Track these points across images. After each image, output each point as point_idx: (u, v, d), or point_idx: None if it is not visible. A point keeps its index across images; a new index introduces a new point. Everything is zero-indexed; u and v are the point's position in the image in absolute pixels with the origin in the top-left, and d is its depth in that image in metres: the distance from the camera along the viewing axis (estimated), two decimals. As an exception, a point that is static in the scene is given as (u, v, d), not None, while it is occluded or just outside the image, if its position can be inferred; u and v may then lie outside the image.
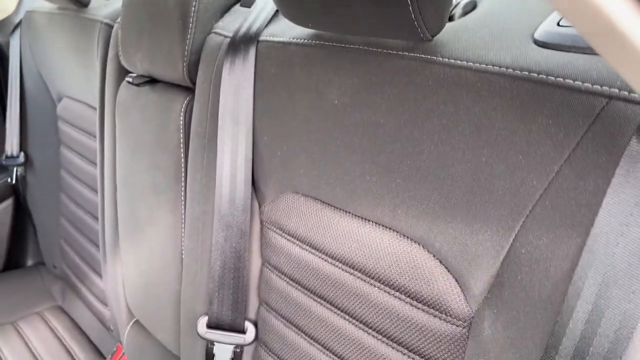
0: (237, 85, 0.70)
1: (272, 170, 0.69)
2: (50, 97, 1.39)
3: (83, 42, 1.12)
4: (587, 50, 0.43)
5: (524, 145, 0.44)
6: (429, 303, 0.53)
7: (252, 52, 0.70)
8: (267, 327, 0.74)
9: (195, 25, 0.78)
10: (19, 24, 1.43)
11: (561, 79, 0.42)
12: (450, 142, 0.49)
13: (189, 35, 0.78)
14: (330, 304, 0.64)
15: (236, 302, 0.76)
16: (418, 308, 0.54)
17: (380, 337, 0.59)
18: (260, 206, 0.73)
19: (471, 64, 0.48)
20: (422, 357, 0.55)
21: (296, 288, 0.68)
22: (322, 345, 0.66)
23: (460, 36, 0.51)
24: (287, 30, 0.69)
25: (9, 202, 1.56)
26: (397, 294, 0.56)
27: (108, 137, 1.06)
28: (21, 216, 1.61)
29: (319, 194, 0.64)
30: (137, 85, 0.91)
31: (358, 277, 0.59)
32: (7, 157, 1.47)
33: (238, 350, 0.79)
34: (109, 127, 1.06)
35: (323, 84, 0.61)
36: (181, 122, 0.83)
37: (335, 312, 0.63)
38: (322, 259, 0.64)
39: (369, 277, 0.58)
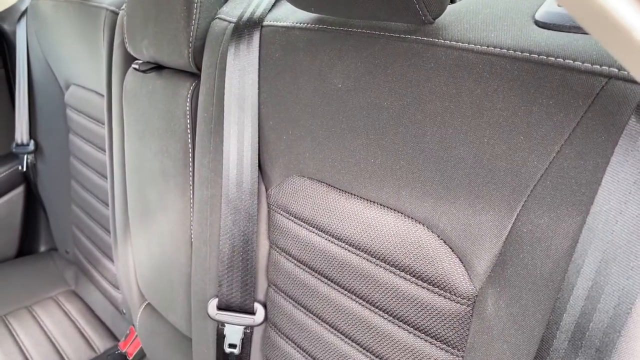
0: (241, 70, 0.71)
1: (278, 154, 0.70)
2: (58, 85, 1.40)
3: (89, 29, 1.12)
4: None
5: (524, 125, 0.44)
6: (433, 282, 0.54)
7: (256, 37, 0.71)
8: (276, 308, 0.76)
9: (200, 11, 0.79)
10: (25, 12, 1.43)
11: (561, 60, 0.42)
12: (452, 123, 0.50)
13: (193, 21, 0.79)
14: (337, 284, 0.65)
15: (245, 284, 0.77)
16: (423, 287, 0.55)
17: (386, 316, 0.60)
18: (267, 190, 0.74)
19: (472, 45, 0.48)
20: (427, 335, 0.56)
21: (303, 269, 0.70)
22: (330, 325, 0.68)
23: (462, 18, 0.52)
24: (291, 15, 0.69)
25: (20, 190, 1.59)
26: (402, 273, 0.57)
27: (116, 123, 1.07)
28: (33, 203, 1.63)
29: (325, 176, 0.65)
30: (144, 72, 0.92)
31: (364, 258, 0.61)
32: (17, 145, 1.49)
33: (248, 331, 0.80)
34: (116, 114, 1.07)
35: (327, 68, 0.61)
36: (188, 108, 0.84)
37: (341, 293, 0.65)
38: (329, 240, 0.65)
39: (374, 257, 0.59)
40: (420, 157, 0.53)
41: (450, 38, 0.50)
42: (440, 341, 0.55)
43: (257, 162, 0.72)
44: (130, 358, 1.16)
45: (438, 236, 0.53)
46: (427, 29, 0.53)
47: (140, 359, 1.16)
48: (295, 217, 0.69)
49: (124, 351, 1.17)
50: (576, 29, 0.44)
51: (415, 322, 0.57)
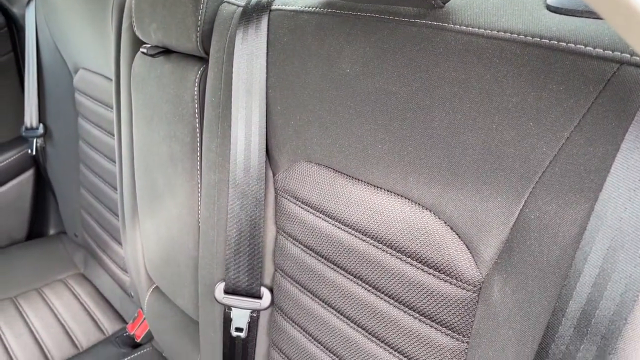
0: (250, 54, 0.71)
1: (285, 139, 0.70)
2: (67, 69, 1.40)
3: (97, 13, 1.12)
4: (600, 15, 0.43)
5: (534, 111, 0.44)
6: (439, 268, 0.54)
7: (264, 21, 0.70)
8: (283, 292, 0.77)
9: (208, -6, 0.78)
10: (34, -5, 1.43)
11: (572, 45, 0.42)
12: (461, 109, 0.49)
13: (201, 5, 0.78)
14: (343, 270, 0.65)
15: (252, 269, 0.78)
16: (429, 273, 0.55)
17: (391, 301, 0.60)
18: (274, 175, 0.74)
19: (482, 30, 0.48)
20: (433, 321, 0.56)
21: (310, 255, 0.70)
22: (336, 310, 0.68)
23: (472, 2, 0.51)
24: (299, -1, 0.69)
25: (30, 173, 1.60)
26: (409, 259, 0.57)
27: (124, 108, 1.08)
28: (42, 187, 1.64)
29: (332, 162, 0.65)
30: (152, 56, 0.92)
31: (370, 244, 0.61)
32: (26, 128, 1.50)
33: (255, 315, 0.81)
34: (125, 98, 1.07)
35: (335, 53, 0.61)
36: (196, 92, 0.84)
37: (348, 278, 0.65)
38: (335, 226, 0.65)
39: (381, 243, 0.59)
40: (428, 142, 0.53)
41: (460, 22, 0.50)
42: (445, 327, 0.55)
43: (265, 147, 0.72)
44: (138, 340, 1.17)
45: (445, 222, 0.53)
46: (436, 13, 0.52)
47: (148, 341, 1.17)
48: (302, 203, 0.69)
49: (132, 333, 1.18)
50: (588, 14, 0.44)
51: (421, 308, 0.57)
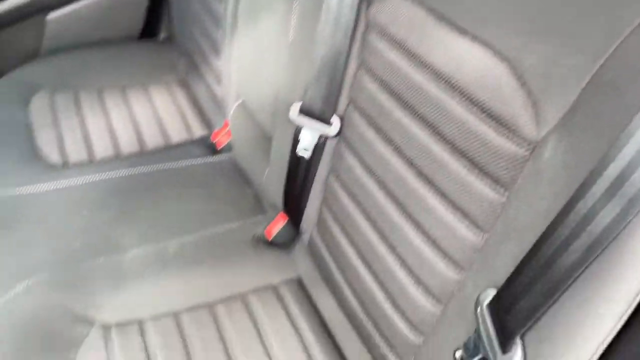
0: None
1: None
2: None
3: None
4: None
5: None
6: (502, 122, 0.55)
7: None
8: (351, 124, 0.80)
9: None
10: None
11: None
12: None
13: None
14: (411, 109, 0.67)
15: (328, 96, 0.81)
16: (490, 126, 0.56)
17: (448, 147, 0.62)
18: (367, 8, 0.74)
19: None
20: (481, 171, 0.58)
21: (384, 92, 0.72)
22: (394, 148, 0.71)
23: None
24: None
25: (148, -26, 1.67)
26: (474, 109, 0.57)
27: None
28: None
29: (425, 0, 0.64)
30: None
31: (442, 88, 0.61)
32: None
33: (322, 139, 0.86)
34: None
35: None
36: None
37: (412, 118, 0.67)
38: (414, 66, 0.65)
39: (452, 88, 0.60)
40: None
41: None
42: (491, 179, 0.57)
43: None
44: (219, 148, 1.29)
45: (518, 77, 0.52)
46: None
47: (228, 150, 1.29)
48: (388, 38, 0.70)
49: (214, 141, 1.30)
50: None
51: (474, 157, 0.59)
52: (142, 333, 0.87)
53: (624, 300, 0.41)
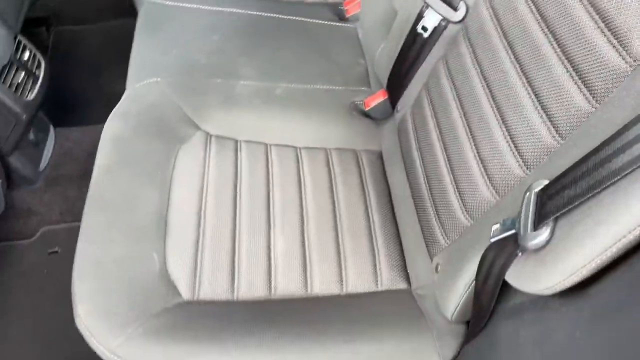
0: None
1: None
2: None
3: None
4: None
5: None
6: (616, 33, 0.55)
7: None
8: (476, 14, 0.81)
9: None
10: None
11: None
12: None
13: None
14: (534, 3, 0.68)
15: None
16: (604, 35, 0.56)
17: (558, 48, 0.63)
18: None
19: None
20: (580, 78, 0.60)
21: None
22: (508, 43, 0.73)
23: None
24: None
25: None
26: (596, 15, 0.58)
27: None
28: None
29: None
30: None
31: None
32: None
33: (443, 24, 0.89)
34: None
35: None
36: None
37: (533, 15, 0.68)
38: None
39: None
40: None
41: None
42: (588, 88, 0.59)
43: None
44: (347, 16, 1.33)
45: None
46: None
47: (354, 21, 1.33)
48: None
49: (345, 8, 1.34)
50: None
51: (579, 64, 0.60)
52: (236, 150, 1.00)
53: None
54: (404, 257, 0.91)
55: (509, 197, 0.68)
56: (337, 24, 1.32)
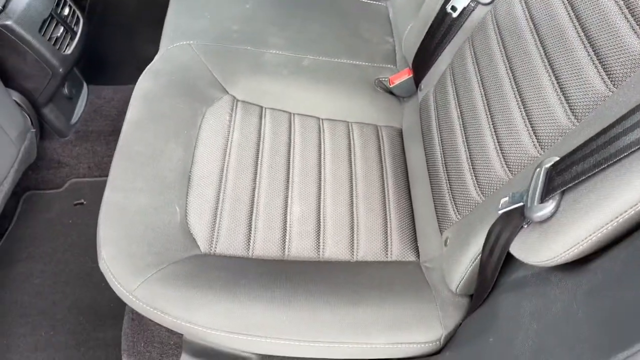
0: None
1: None
2: None
3: None
4: None
5: None
6: (638, 18, 0.56)
7: None
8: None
9: None
10: None
11: None
12: None
13: None
14: None
15: None
16: (627, 20, 0.58)
17: (582, 32, 0.64)
18: None
19: None
20: (600, 61, 0.61)
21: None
22: (534, 25, 0.74)
23: None
24: None
25: None
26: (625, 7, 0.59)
27: None
28: None
29: None
30: None
31: None
32: None
33: (473, 4, 0.90)
34: None
35: None
36: None
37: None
38: None
39: None
40: None
41: None
42: (607, 71, 0.60)
43: None
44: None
45: None
46: None
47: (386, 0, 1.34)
48: None
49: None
50: None
51: (600, 47, 0.61)
52: (261, 116, 1.03)
53: None
54: (414, 230, 0.94)
55: (521, 175, 0.70)
56: (368, 1, 1.33)
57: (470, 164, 0.82)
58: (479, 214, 0.76)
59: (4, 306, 1.17)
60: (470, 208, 0.80)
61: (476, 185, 0.79)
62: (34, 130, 1.25)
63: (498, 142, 0.76)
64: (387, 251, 0.91)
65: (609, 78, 0.60)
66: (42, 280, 1.22)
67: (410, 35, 1.11)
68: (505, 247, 0.62)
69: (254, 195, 0.92)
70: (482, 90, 0.83)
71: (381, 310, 0.78)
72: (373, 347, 0.76)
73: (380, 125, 1.09)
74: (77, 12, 1.32)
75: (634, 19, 0.57)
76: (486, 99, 0.81)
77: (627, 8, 0.58)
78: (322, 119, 1.06)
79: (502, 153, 0.75)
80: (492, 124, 0.78)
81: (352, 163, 1.00)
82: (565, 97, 0.65)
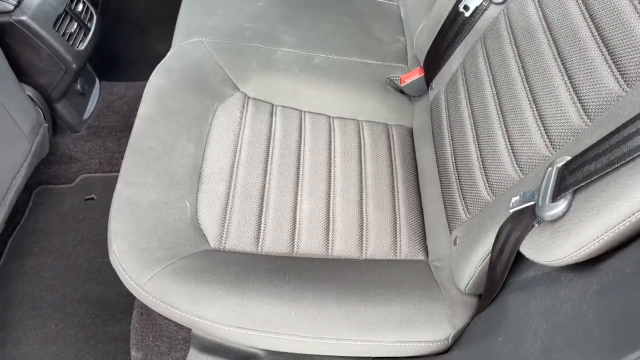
0: None
1: None
2: None
3: None
4: None
5: None
6: None
7: None
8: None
9: None
10: None
11: None
12: None
13: None
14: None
15: None
16: None
17: (595, 31, 0.64)
18: None
19: None
20: (614, 61, 0.61)
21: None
22: (548, 24, 0.74)
23: None
24: None
25: None
26: None
27: None
28: None
29: None
30: None
31: None
32: None
33: (485, 4, 0.90)
34: None
35: None
36: None
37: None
38: None
39: None
40: None
41: None
42: (620, 71, 0.60)
43: None
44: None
45: None
46: None
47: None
48: None
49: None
50: None
51: (614, 47, 0.61)
52: (271, 113, 1.04)
53: None
54: (424, 229, 0.94)
55: (532, 174, 0.69)
56: (380, 0, 1.33)
57: (480, 163, 0.82)
58: (489, 213, 0.76)
59: (16, 299, 1.18)
60: (480, 207, 0.79)
61: (486, 184, 0.79)
62: (47, 125, 1.26)
63: (509, 141, 0.76)
64: (396, 249, 0.91)
65: (622, 78, 0.59)
66: (53, 274, 1.23)
67: (421, 34, 1.11)
68: (516, 246, 0.62)
69: (264, 191, 0.92)
70: (494, 89, 0.82)
71: (389, 308, 0.78)
72: (381, 344, 0.76)
73: (390, 124, 1.09)
74: (91, 9, 1.34)
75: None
76: (498, 99, 0.81)
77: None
78: (333, 117, 1.06)
79: (513, 152, 0.75)
80: (504, 124, 0.78)
81: (362, 161, 1.01)
82: (578, 96, 0.65)
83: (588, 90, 0.64)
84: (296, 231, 0.89)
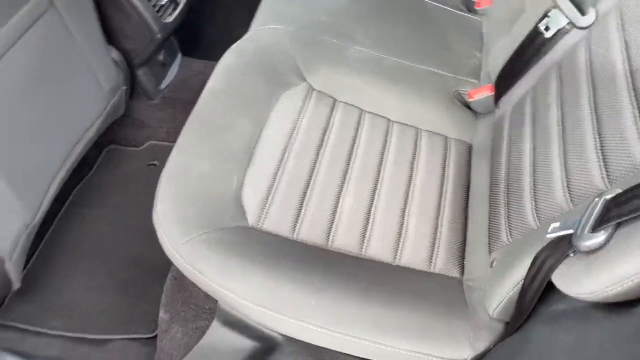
0: None
1: None
2: None
3: None
4: None
5: None
6: None
7: None
8: (600, 27, 0.79)
9: None
10: None
11: None
12: None
13: None
14: None
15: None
16: None
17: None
18: None
19: None
20: None
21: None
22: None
23: None
24: None
25: None
26: None
27: None
28: None
29: None
30: None
31: None
32: None
33: (567, 27, 0.86)
34: None
35: None
36: None
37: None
38: None
39: None
40: None
41: None
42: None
43: None
44: (476, 7, 1.32)
45: None
46: None
47: (482, 14, 1.31)
48: None
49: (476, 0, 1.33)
50: None
51: None
52: (332, 108, 1.05)
53: None
54: (463, 247, 0.91)
55: (582, 206, 0.66)
56: (463, 13, 1.31)
57: (532, 188, 0.79)
58: (530, 239, 0.73)
59: (68, 245, 1.26)
60: (523, 232, 0.77)
61: (534, 210, 0.76)
62: (125, 88, 1.34)
63: (565, 170, 0.73)
64: (431, 262, 0.89)
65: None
66: (108, 229, 1.30)
67: (499, 51, 1.08)
68: (548, 274, 0.59)
69: (310, 180, 0.93)
70: (560, 116, 0.79)
71: (412, 315, 0.77)
72: (396, 351, 0.75)
73: (450, 137, 1.07)
74: (183, -15, 1.41)
75: None
76: (562, 126, 0.78)
77: None
78: (393, 122, 1.06)
79: (567, 183, 0.72)
80: (563, 151, 0.75)
81: (414, 169, 0.99)
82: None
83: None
84: (334, 224, 0.90)
